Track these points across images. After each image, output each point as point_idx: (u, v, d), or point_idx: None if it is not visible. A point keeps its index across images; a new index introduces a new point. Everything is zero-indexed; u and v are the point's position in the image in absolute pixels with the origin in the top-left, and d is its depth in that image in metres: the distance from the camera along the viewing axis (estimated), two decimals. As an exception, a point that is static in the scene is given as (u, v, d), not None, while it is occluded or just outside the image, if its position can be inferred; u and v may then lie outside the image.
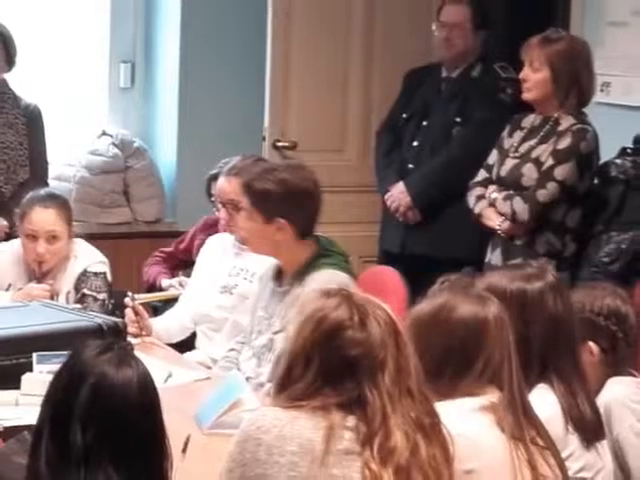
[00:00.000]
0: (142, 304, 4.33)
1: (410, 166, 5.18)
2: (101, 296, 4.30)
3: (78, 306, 4.15)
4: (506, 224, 4.45)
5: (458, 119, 5.11)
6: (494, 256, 4.53)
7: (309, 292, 3.28)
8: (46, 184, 5.14)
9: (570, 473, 2.66)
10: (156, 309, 4.58)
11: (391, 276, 4.51)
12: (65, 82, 5.96)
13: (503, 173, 4.52)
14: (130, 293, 4.34)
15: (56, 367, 2.45)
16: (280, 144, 5.63)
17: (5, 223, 5.00)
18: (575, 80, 4.46)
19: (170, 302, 4.59)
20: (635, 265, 4.31)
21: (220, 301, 4.30)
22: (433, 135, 5.16)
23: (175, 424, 2.51)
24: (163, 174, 5.97)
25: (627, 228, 4.38)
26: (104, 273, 4.39)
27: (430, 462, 2.38)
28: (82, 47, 6.04)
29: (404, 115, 5.26)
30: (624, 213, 4.42)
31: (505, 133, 4.62)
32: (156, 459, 2.32)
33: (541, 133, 4.49)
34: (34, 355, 3.36)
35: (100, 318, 3.78)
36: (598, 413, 2.90)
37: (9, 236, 4.79)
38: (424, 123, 5.19)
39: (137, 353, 2.52)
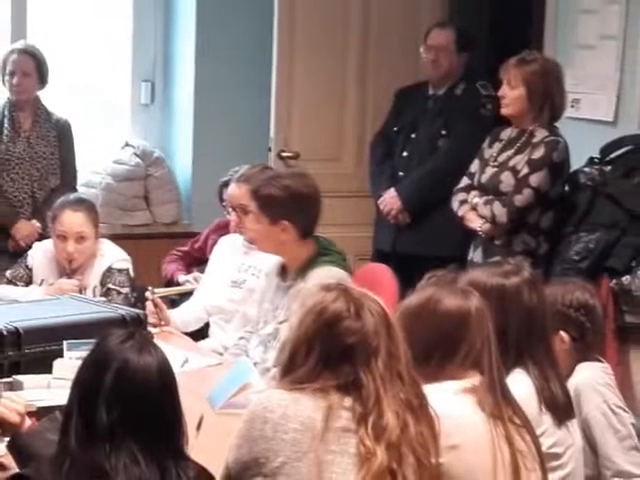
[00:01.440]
0: (161, 297, 4.34)
1: (400, 174, 5.18)
2: (124, 290, 4.30)
3: (103, 299, 4.15)
4: (486, 226, 4.45)
5: (443, 132, 5.11)
6: (476, 254, 4.54)
7: (310, 287, 3.29)
8: (75, 190, 5.14)
9: (543, 448, 2.66)
10: (173, 302, 4.58)
11: (383, 272, 4.51)
12: (92, 98, 5.96)
13: (484, 180, 4.52)
14: (150, 287, 4.34)
15: (84, 354, 2.45)
16: (284, 154, 5.62)
17: (38, 225, 5.00)
18: (548, 97, 4.46)
19: (186, 295, 4.59)
20: (601, 263, 4.31)
21: (231, 295, 4.31)
22: (421, 146, 5.16)
23: (190, 404, 2.51)
24: (180, 181, 5.97)
25: (594, 229, 4.38)
26: (127, 269, 4.39)
27: (418, 439, 2.38)
28: (108, 68, 6.04)
29: (395, 128, 5.26)
30: (591, 216, 4.42)
31: (485, 144, 4.62)
32: (173, 436, 2.33)
33: (517, 144, 4.49)
34: (64, 343, 3.35)
35: (123, 310, 3.78)
36: (568, 395, 2.91)
37: (42, 236, 4.79)
38: (413, 135, 5.19)
39: (156, 341, 2.52)
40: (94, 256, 4.39)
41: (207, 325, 4.39)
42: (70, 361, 3.20)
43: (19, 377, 3.29)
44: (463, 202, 4.57)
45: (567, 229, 4.46)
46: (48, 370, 3.32)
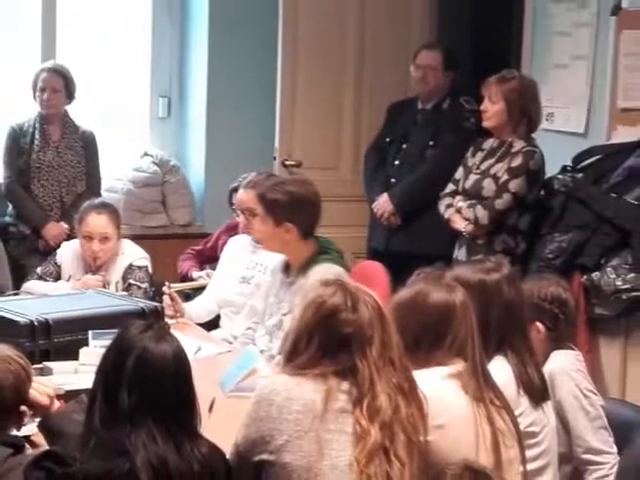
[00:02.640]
0: (177, 292, 4.33)
1: (393, 180, 5.17)
2: (144, 285, 4.31)
3: (125, 293, 4.15)
4: (470, 227, 4.45)
5: (431, 143, 5.11)
6: (460, 253, 4.54)
7: (311, 282, 3.28)
8: (99, 195, 5.14)
9: (521, 427, 2.66)
10: (188, 296, 4.57)
11: (377, 269, 4.52)
12: (115, 112, 5.96)
13: (467, 186, 4.52)
14: (167, 283, 4.33)
15: (107, 342, 2.46)
16: (287, 163, 5.62)
17: (66, 226, 5.00)
18: (525, 111, 4.46)
19: (199, 290, 4.59)
20: (573, 260, 4.31)
21: (239, 289, 4.31)
22: (411, 156, 5.15)
23: (203, 388, 2.51)
24: (193, 187, 5.96)
25: (567, 230, 4.38)
26: (146, 266, 4.39)
27: (408, 419, 2.39)
28: (128, 84, 6.04)
29: (387, 139, 5.26)
30: (564, 219, 4.42)
31: (469, 154, 4.62)
32: (188, 416, 2.33)
33: (498, 154, 4.49)
34: (90, 332, 3.36)
35: (143, 303, 3.78)
36: (544, 379, 2.91)
37: (69, 237, 4.79)
38: (404, 146, 5.18)
39: (172, 331, 2.53)
40: (116, 254, 4.39)
41: (218, 317, 4.39)
42: (95, 349, 3.21)
43: (49, 363, 3.30)
44: (449, 206, 4.57)
45: (542, 230, 4.46)
46: (75, 357, 3.32)
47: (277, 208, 3.79)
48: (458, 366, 2.58)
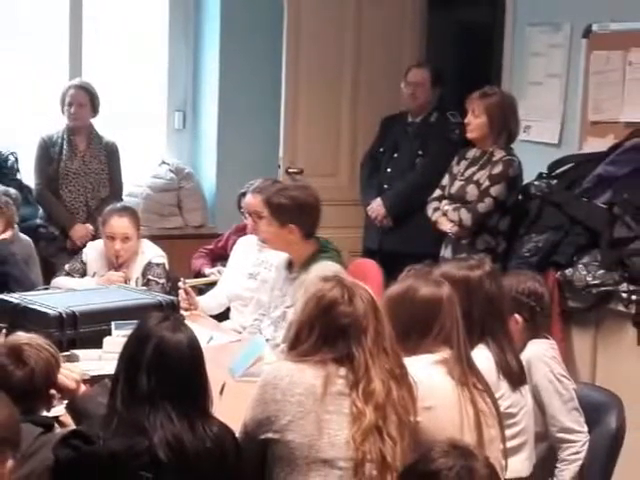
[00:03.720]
0: (191, 286, 4.34)
1: (385, 186, 5.17)
2: (161, 280, 4.30)
3: (144, 288, 4.15)
4: (455, 228, 4.45)
5: (420, 152, 5.11)
6: (446, 252, 4.54)
7: (312, 278, 3.28)
8: (121, 199, 5.14)
9: (501, 409, 2.66)
10: (201, 290, 4.57)
11: (371, 266, 4.52)
12: (135, 125, 5.96)
13: (453, 191, 4.52)
14: (182, 278, 4.34)
15: (128, 332, 2.46)
16: (291, 170, 5.62)
17: (91, 228, 5.00)
18: (505, 124, 4.46)
19: (211, 285, 4.58)
20: (548, 258, 4.31)
21: (247, 284, 4.30)
22: (402, 164, 5.16)
23: (214, 374, 2.51)
24: (206, 192, 5.96)
25: (542, 231, 4.38)
26: (163, 264, 4.39)
27: (400, 401, 2.39)
28: (148, 100, 6.05)
29: (381, 149, 5.26)
30: (540, 220, 4.42)
31: (454, 162, 4.62)
32: (201, 399, 2.34)
33: (480, 162, 4.49)
34: (113, 323, 3.37)
35: (160, 296, 3.79)
36: (522, 365, 2.91)
37: (94, 237, 4.79)
38: (395, 155, 5.19)
39: (187, 322, 2.53)
40: (136, 253, 4.39)
41: (228, 309, 4.39)
42: (117, 338, 3.21)
43: (75, 351, 3.31)
44: (436, 209, 4.57)
45: (520, 231, 4.46)
46: (99, 345, 3.34)
47: (281, 211, 3.79)
48: (444, 353, 2.58)
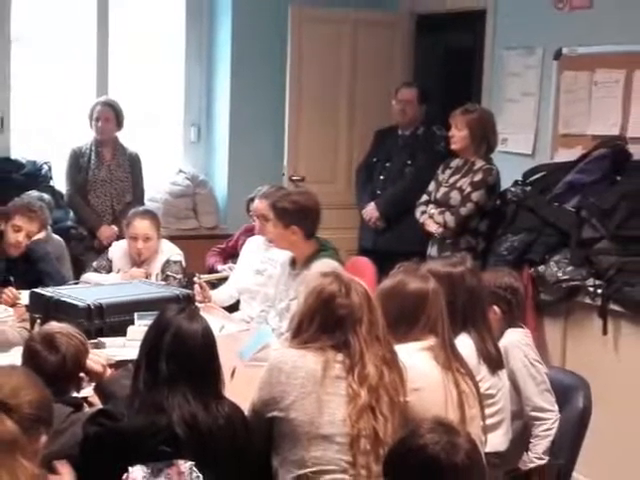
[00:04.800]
0: (205, 281, 4.34)
1: (378, 192, 5.17)
2: (178, 276, 4.31)
3: (163, 283, 4.16)
4: (440, 229, 4.45)
5: (409, 162, 5.11)
6: (432, 250, 4.54)
7: (312, 274, 3.28)
8: (143, 203, 5.14)
9: (481, 391, 2.66)
10: (214, 285, 4.57)
11: (366, 263, 4.52)
12: (155, 137, 5.96)
13: (438, 196, 4.52)
14: (197, 274, 4.35)
15: (149, 322, 2.46)
16: (294, 178, 5.63)
17: (116, 229, 5.00)
18: (485, 137, 4.47)
19: (223, 280, 4.58)
20: (523, 256, 4.31)
21: (255, 279, 4.30)
22: (393, 172, 5.15)
23: (226, 359, 2.52)
24: (218, 197, 5.96)
25: (518, 232, 4.38)
26: (180, 261, 4.39)
27: (391, 383, 2.40)
28: (166, 115, 6.05)
29: (374, 159, 5.26)
30: (516, 223, 4.42)
31: (439, 171, 4.62)
32: (214, 382, 2.34)
33: (463, 171, 4.49)
34: (135, 314, 3.36)
35: (178, 290, 3.79)
36: (499, 352, 2.91)
37: (119, 237, 4.79)
38: (387, 165, 5.18)
39: (201, 313, 2.53)
40: (156, 252, 4.39)
41: (238, 301, 4.39)
42: (139, 327, 3.20)
43: (102, 339, 3.31)
44: (423, 212, 4.57)
45: (498, 232, 4.46)
46: (123, 334, 3.33)
47: (285, 214, 3.79)
48: (431, 341, 2.58)
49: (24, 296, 3.75)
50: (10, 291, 3.86)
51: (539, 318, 4.27)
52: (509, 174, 4.64)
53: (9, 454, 1.67)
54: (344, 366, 2.38)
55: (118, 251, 4.47)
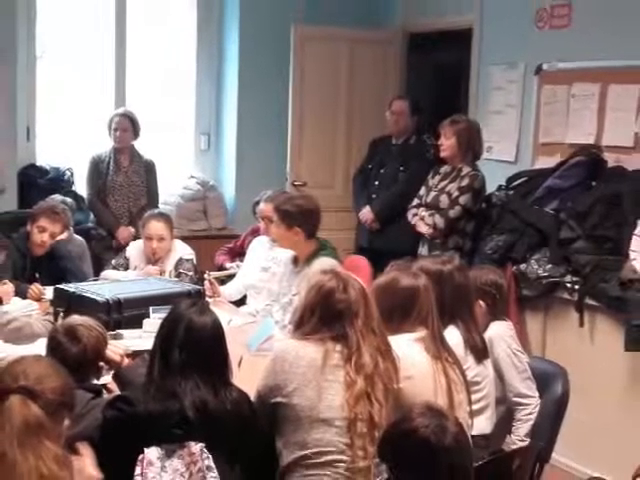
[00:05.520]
0: (214, 278, 4.34)
1: (373, 196, 5.17)
2: (190, 273, 4.29)
3: (176, 279, 4.15)
4: (430, 230, 4.46)
5: (402, 168, 5.11)
6: (423, 249, 4.54)
7: (313, 271, 3.29)
8: (157, 206, 5.13)
9: (468, 378, 2.66)
10: (223, 281, 4.57)
11: (362, 261, 4.51)
12: (169, 146, 5.95)
13: (428, 200, 4.52)
14: (207, 271, 4.35)
15: (163, 315, 2.46)
16: (296, 183, 5.64)
17: (133, 230, 4.99)
18: (471, 145, 4.47)
19: (231, 277, 4.58)
20: (506, 255, 4.31)
21: (260, 276, 4.29)
22: (387, 178, 5.15)
23: (233, 349, 2.52)
24: (227, 201, 5.96)
25: (502, 233, 4.39)
26: (192, 259, 4.38)
27: (385, 372, 2.40)
28: (179, 126, 6.04)
29: (369, 166, 5.26)
30: (500, 224, 4.43)
31: (429, 176, 4.63)
32: (222, 370, 2.34)
33: (451, 176, 4.49)
34: (150, 308, 3.37)
35: (189, 286, 3.79)
36: (484, 342, 2.91)
37: (135, 237, 4.78)
38: (381, 171, 5.18)
39: (211, 307, 2.53)
40: (170, 251, 4.38)
41: (245, 296, 4.39)
42: (154, 320, 3.20)
43: (120, 331, 3.31)
44: (415, 215, 4.57)
45: (483, 233, 4.47)
46: (139, 326, 3.34)
47: (288, 216, 3.79)
48: (421, 333, 2.58)
49: (48, 291, 3.75)
50: (36, 287, 3.86)
51: (521, 312, 4.27)
52: (493, 179, 4.64)
53: (35, 436, 1.67)
54: (342, 356, 2.37)
55: (135, 250, 4.47)
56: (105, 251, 5.01)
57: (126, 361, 2.74)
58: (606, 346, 3.93)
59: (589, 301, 3.98)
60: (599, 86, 4.50)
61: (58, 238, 4.27)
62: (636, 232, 3.81)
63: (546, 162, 4.69)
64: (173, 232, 4.47)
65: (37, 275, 4.09)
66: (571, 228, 4.14)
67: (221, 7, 5.88)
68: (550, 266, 4.14)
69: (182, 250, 4.42)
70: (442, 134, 4.49)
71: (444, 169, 4.56)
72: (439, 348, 2.57)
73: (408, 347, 2.53)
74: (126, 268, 4.41)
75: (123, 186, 5.14)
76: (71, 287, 3.60)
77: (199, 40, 5.92)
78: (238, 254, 4.85)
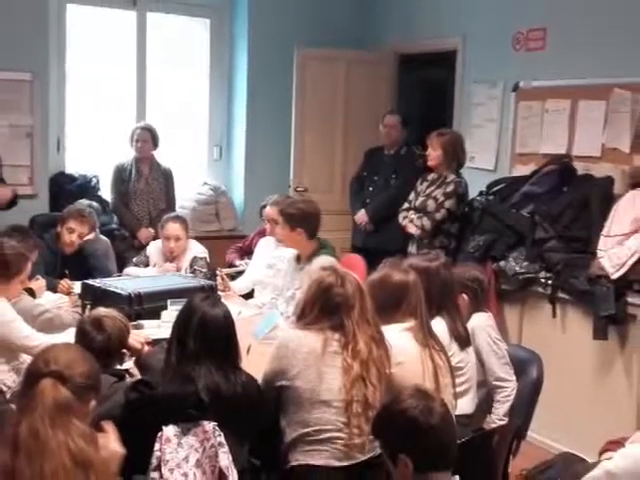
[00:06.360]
0: (225, 274, 4.34)
1: (367, 201, 5.17)
2: (204, 270, 4.28)
3: (191, 275, 4.15)
4: (418, 231, 4.45)
5: (393, 176, 5.11)
6: (412, 248, 4.54)
7: (314, 268, 3.29)
8: (174, 210, 5.13)
9: (452, 364, 2.66)
10: (233, 277, 4.57)
11: (358, 259, 4.52)
12: (185, 156, 5.95)
13: (417, 204, 4.52)
14: (219, 268, 4.34)
15: (180, 307, 2.46)
16: (298, 189, 5.63)
17: (153, 231, 4.99)
18: (455, 155, 4.46)
19: (240, 273, 4.58)
20: (487, 253, 4.31)
21: (266, 272, 4.29)
22: (380, 185, 5.15)
23: (243, 337, 2.52)
24: (236, 205, 5.95)
25: (482, 233, 4.38)
26: (205, 257, 4.38)
27: (378, 358, 2.40)
28: (194, 138, 6.03)
29: (364, 174, 5.26)
30: (481, 226, 4.43)
31: (418, 183, 4.62)
32: (232, 356, 2.34)
33: (437, 183, 4.48)
34: (168, 301, 3.37)
35: (203, 281, 3.79)
36: (467, 332, 2.91)
37: (155, 238, 4.78)
38: (375, 178, 5.18)
39: (222, 300, 2.53)
40: (185, 249, 4.38)
41: (252, 291, 4.38)
42: (171, 312, 3.21)
43: (141, 321, 3.31)
44: (405, 217, 4.56)
45: (466, 233, 4.47)
46: (158, 317, 3.34)
47: (292, 219, 3.79)
48: (411, 323, 2.58)
49: (77, 286, 3.75)
50: (65, 282, 3.87)
51: (500, 304, 4.27)
52: (475, 186, 4.64)
53: (64, 415, 1.67)
54: (340, 343, 2.37)
55: (154, 249, 4.47)
56: (127, 250, 5.01)
57: (146, 348, 2.75)
58: (576, 335, 3.93)
59: (561, 295, 3.99)
60: (570, 102, 4.50)
61: (85, 238, 4.27)
62: (603, 233, 3.81)
63: (522, 170, 4.69)
64: (188, 233, 4.46)
65: (66, 271, 4.08)
66: (545, 229, 4.14)
67: (232, 32, 5.89)
68: (526, 263, 4.14)
69: (196, 249, 4.42)
70: (429, 145, 4.49)
71: (431, 176, 4.56)
72: (426, 337, 2.56)
73: (399, 336, 2.53)
74: (146, 265, 4.41)
75: (143, 192, 5.14)
76: (97, 282, 3.60)
77: (212, 61, 5.91)
78: (247, 253, 4.85)
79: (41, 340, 2.84)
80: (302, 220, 3.77)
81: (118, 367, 2.60)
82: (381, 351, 2.40)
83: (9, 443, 1.63)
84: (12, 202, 4.50)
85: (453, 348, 2.79)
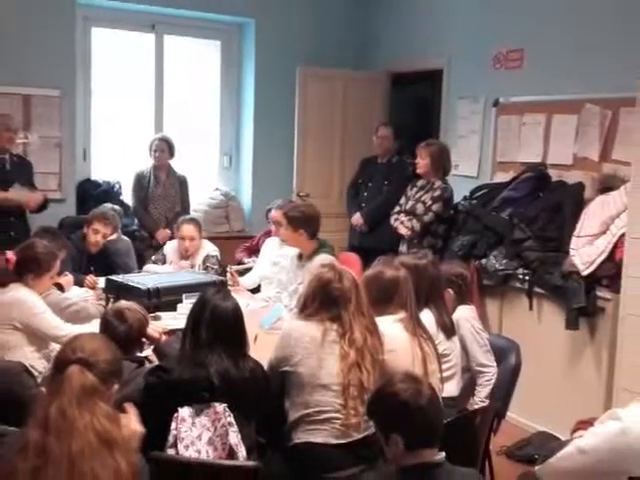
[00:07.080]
0: (235, 271, 4.34)
1: (363, 205, 5.15)
2: (215, 267, 4.30)
3: (204, 271, 4.15)
4: (409, 232, 4.45)
5: (386, 183, 5.10)
6: (403, 248, 4.54)
7: (315, 265, 3.29)
8: (189, 213, 5.12)
9: (439, 351, 2.66)
10: (241, 273, 4.57)
11: (354, 257, 4.52)
12: (198, 164, 5.95)
13: (407, 208, 4.52)
14: (229, 265, 4.35)
15: (194, 300, 2.46)
16: (301, 194, 5.63)
17: (169, 232, 4.98)
18: (442, 164, 4.47)
19: (248, 270, 4.58)
20: (470, 252, 4.31)
21: (272, 269, 4.29)
22: (374, 190, 5.14)
23: (250, 327, 2.51)
24: (245, 208, 5.95)
25: (466, 234, 4.38)
26: (216, 255, 4.38)
27: (373, 346, 2.40)
28: (206, 147, 6.03)
29: (359, 181, 5.25)
30: (465, 227, 4.43)
31: (408, 188, 4.62)
32: (241, 345, 2.34)
33: (425, 189, 4.49)
34: (183, 294, 3.37)
35: (215, 277, 3.79)
36: (452, 322, 2.91)
37: (171, 238, 4.78)
38: (369, 184, 5.17)
39: (232, 294, 2.53)
40: (199, 248, 4.38)
41: (259, 285, 4.38)
42: (186, 304, 3.22)
43: (159, 313, 3.31)
44: (396, 219, 4.56)
45: (452, 234, 4.47)
46: (174, 309, 3.34)
47: (295, 221, 3.79)
48: (402, 315, 2.58)
49: (101, 281, 3.75)
50: (91, 278, 3.87)
51: (482, 298, 4.27)
52: (460, 191, 4.64)
53: (90, 398, 1.67)
54: (338, 333, 2.38)
55: (170, 248, 4.47)
56: (146, 249, 5.00)
57: (163, 338, 2.74)
58: (550, 325, 3.93)
59: (537, 289, 3.99)
60: (545, 116, 4.51)
61: (109, 238, 4.28)
62: (574, 233, 3.82)
63: (502, 177, 4.69)
64: (201, 233, 4.46)
65: (92, 268, 4.09)
66: (522, 230, 4.14)
67: (240, 52, 5.89)
68: (505, 261, 4.14)
69: (209, 248, 4.42)
70: (418, 154, 4.49)
71: (420, 183, 4.56)
72: (416, 327, 2.56)
73: (391, 326, 2.53)
74: (163, 262, 4.41)
75: (161, 196, 5.13)
76: (119, 278, 3.60)
77: (222, 79, 5.91)
78: (254, 251, 4.85)
79: (69, 330, 2.85)
80: (304, 222, 3.77)
81: (138, 354, 2.60)
82: (375, 340, 2.40)
83: (40, 423, 1.63)
84: (43, 206, 4.54)
85: (440, 337, 2.79)
